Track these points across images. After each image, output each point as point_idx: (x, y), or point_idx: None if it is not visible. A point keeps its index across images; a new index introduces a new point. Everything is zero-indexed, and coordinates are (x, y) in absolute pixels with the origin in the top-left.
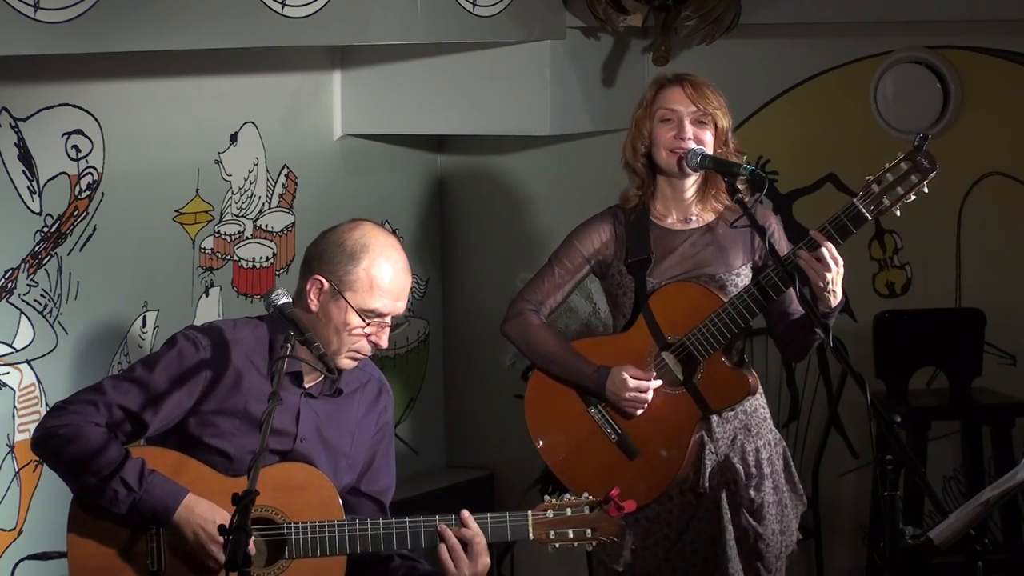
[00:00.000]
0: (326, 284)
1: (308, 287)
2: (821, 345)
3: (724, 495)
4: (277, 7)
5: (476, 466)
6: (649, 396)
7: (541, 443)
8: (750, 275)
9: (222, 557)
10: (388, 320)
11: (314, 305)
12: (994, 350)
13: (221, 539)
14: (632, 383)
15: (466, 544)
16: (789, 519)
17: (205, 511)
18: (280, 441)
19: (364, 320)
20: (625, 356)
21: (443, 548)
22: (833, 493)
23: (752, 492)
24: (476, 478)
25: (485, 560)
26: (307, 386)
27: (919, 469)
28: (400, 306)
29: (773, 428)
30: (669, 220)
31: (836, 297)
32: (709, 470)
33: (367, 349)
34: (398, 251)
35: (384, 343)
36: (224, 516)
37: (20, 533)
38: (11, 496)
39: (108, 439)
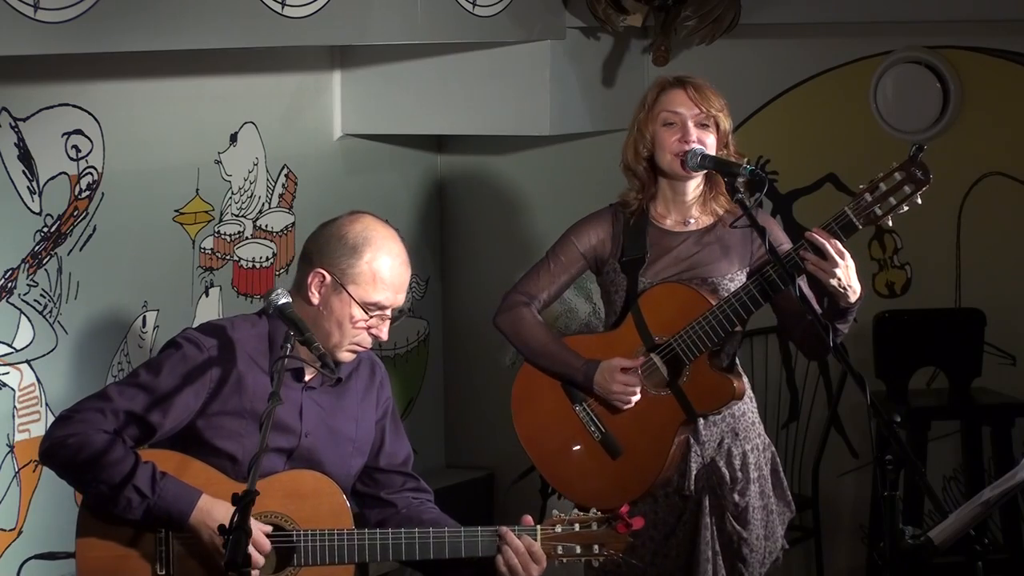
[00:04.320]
0: (328, 277)
1: (309, 280)
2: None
3: (707, 498)
4: (277, 7)
5: (476, 466)
6: (638, 389)
7: (525, 438)
8: (744, 280)
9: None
10: (388, 313)
11: (315, 298)
12: (994, 350)
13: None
14: (621, 376)
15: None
16: (775, 525)
17: (222, 513)
18: (286, 438)
19: (367, 313)
20: (612, 354)
21: (504, 559)
22: (833, 493)
23: (737, 496)
24: (476, 478)
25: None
26: (307, 380)
27: (919, 469)
28: (400, 298)
29: (762, 433)
30: (668, 221)
31: (854, 292)
32: (695, 473)
33: (367, 342)
34: (398, 243)
35: (384, 335)
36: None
37: (20, 533)
38: (11, 496)
39: (117, 446)
